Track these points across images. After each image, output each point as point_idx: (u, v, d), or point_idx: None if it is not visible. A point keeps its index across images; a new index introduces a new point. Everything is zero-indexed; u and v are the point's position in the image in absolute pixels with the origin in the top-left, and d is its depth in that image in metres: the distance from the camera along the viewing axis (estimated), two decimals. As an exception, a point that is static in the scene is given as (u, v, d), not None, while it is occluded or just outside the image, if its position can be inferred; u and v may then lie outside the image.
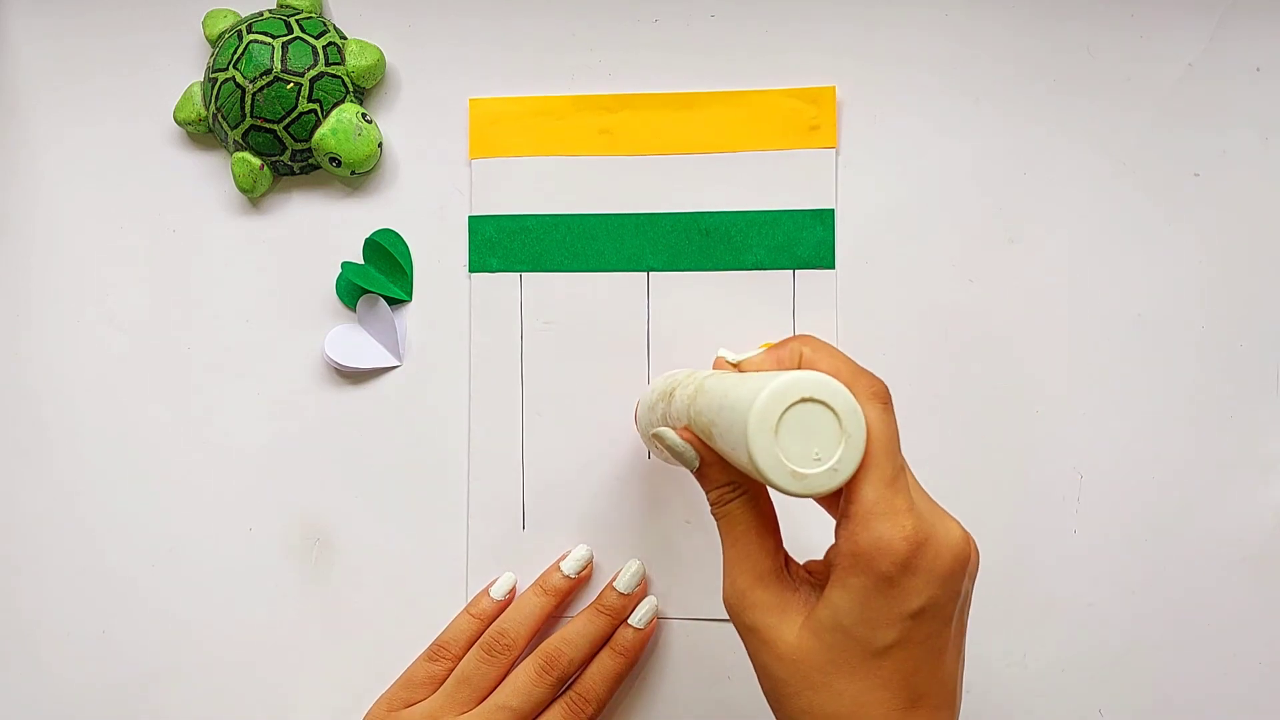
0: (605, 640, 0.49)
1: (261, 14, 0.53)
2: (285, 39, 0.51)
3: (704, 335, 0.51)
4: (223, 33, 0.53)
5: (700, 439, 0.37)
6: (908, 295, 0.51)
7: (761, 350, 0.39)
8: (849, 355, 0.37)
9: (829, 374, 0.34)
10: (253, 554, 0.53)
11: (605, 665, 0.49)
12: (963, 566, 0.35)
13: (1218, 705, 0.49)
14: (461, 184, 0.53)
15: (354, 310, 0.53)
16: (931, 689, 0.35)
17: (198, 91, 0.53)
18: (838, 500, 0.37)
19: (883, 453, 0.35)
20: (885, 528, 0.34)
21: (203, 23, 0.54)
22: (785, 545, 0.38)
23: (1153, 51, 0.51)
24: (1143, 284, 0.50)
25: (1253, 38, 0.50)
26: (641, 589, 0.50)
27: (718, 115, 0.52)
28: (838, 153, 0.51)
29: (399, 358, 0.52)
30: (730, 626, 0.50)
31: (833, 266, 0.51)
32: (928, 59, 0.51)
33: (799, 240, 0.51)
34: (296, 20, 0.52)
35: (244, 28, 0.52)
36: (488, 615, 0.50)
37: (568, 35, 0.53)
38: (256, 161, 0.52)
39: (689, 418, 0.38)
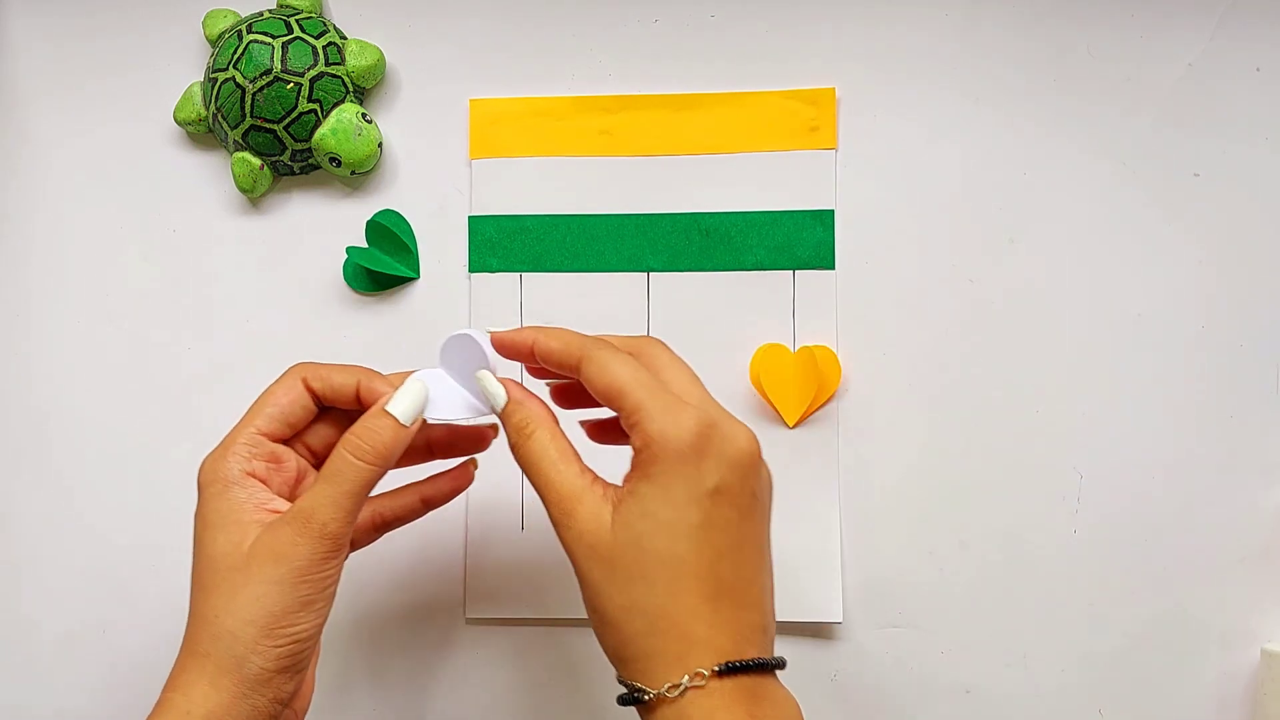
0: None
1: (261, 14, 0.53)
2: (285, 39, 0.51)
3: (704, 336, 0.51)
4: (223, 33, 0.53)
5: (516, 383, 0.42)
6: (908, 295, 0.51)
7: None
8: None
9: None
10: (253, 554, 0.53)
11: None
12: (751, 460, 0.38)
13: (1218, 706, 0.49)
14: (461, 184, 0.53)
15: (360, 293, 0.53)
16: (736, 584, 0.38)
17: (198, 91, 0.53)
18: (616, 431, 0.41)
19: (639, 372, 0.39)
20: (671, 415, 0.37)
21: (203, 23, 0.54)
22: None
23: (1153, 51, 0.51)
24: (1143, 284, 0.50)
25: (1253, 38, 0.50)
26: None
27: (718, 116, 0.52)
28: (837, 153, 0.51)
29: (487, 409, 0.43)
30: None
31: (833, 267, 0.51)
32: (928, 59, 0.51)
33: (799, 241, 0.51)
34: (296, 20, 0.52)
35: (244, 28, 0.52)
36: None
37: (568, 36, 0.53)
38: (256, 161, 0.52)
39: None
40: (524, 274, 0.52)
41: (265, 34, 0.51)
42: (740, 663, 0.37)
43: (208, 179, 0.54)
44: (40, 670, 0.53)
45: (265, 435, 0.42)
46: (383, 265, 0.52)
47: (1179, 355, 0.50)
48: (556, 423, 0.41)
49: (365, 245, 0.53)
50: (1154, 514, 0.50)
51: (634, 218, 0.52)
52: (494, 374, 0.42)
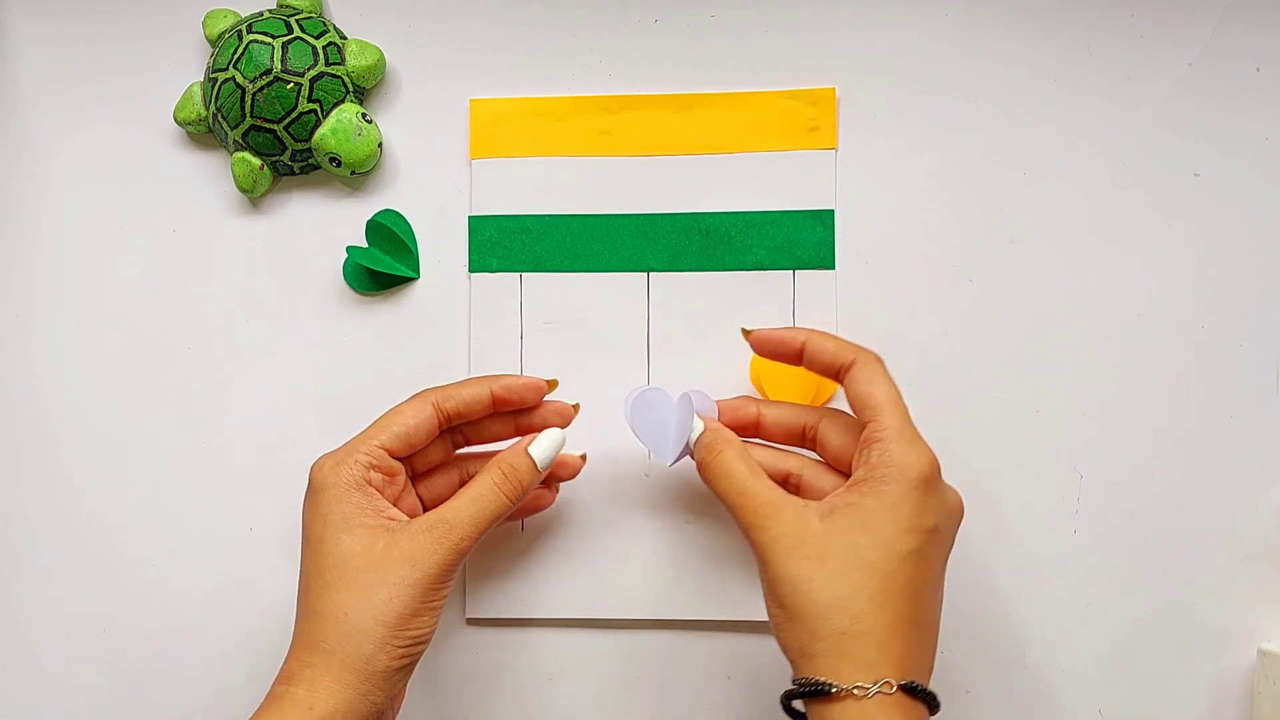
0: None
1: (261, 14, 0.53)
2: (285, 39, 0.51)
3: (704, 336, 0.51)
4: (223, 33, 0.53)
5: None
6: (908, 295, 0.51)
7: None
8: None
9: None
10: (253, 554, 0.53)
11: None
12: (961, 516, 0.42)
13: (1218, 706, 0.49)
14: (461, 184, 0.53)
15: (360, 293, 0.53)
16: (927, 619, 0.41)
17: (198, 91, 0.53)
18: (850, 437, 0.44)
19: (895, 395, 0.43)
20: (917, 448, 0.41)
21: (203, 23, 0.54)
22: None
23: (1153, 51, 0.51)
24: (1143, 284, 0.50)
25: (1253, 38, 0.50)
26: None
27: (718, 116, 0.52)
28: (837, 153, 0.51)
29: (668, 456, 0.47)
30: (729, 627, 0.50)
31: (833, 267, 0.51)
32: (928, 59, 0.51)
33: (799, 241, 0.51)
34: (296, 20, 0.52)
35: (244, 28, 0.52)
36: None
37: (568, 36, 0.53)
38: (256, 161, 0.52)
39: None
40: (524, 274, 0.52)
41: (265, 34, 0.51)
42: (922, 688, 0.40)
43: (208, 179, 0.54)
44: (40, 670, 0.53)
45: (386, 450, 0.45)
46: (383, 265, 0.52)
47: (1179, 355, 0.50)
48: (744, 446, 0.45)
49: (365, 245, 0.53)
50: (1154, 514, 0.50)
51: (634, 218, 0.52)
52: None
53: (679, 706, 0.51)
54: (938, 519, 0.41)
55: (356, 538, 0.42)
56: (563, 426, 0.47)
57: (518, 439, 0.47)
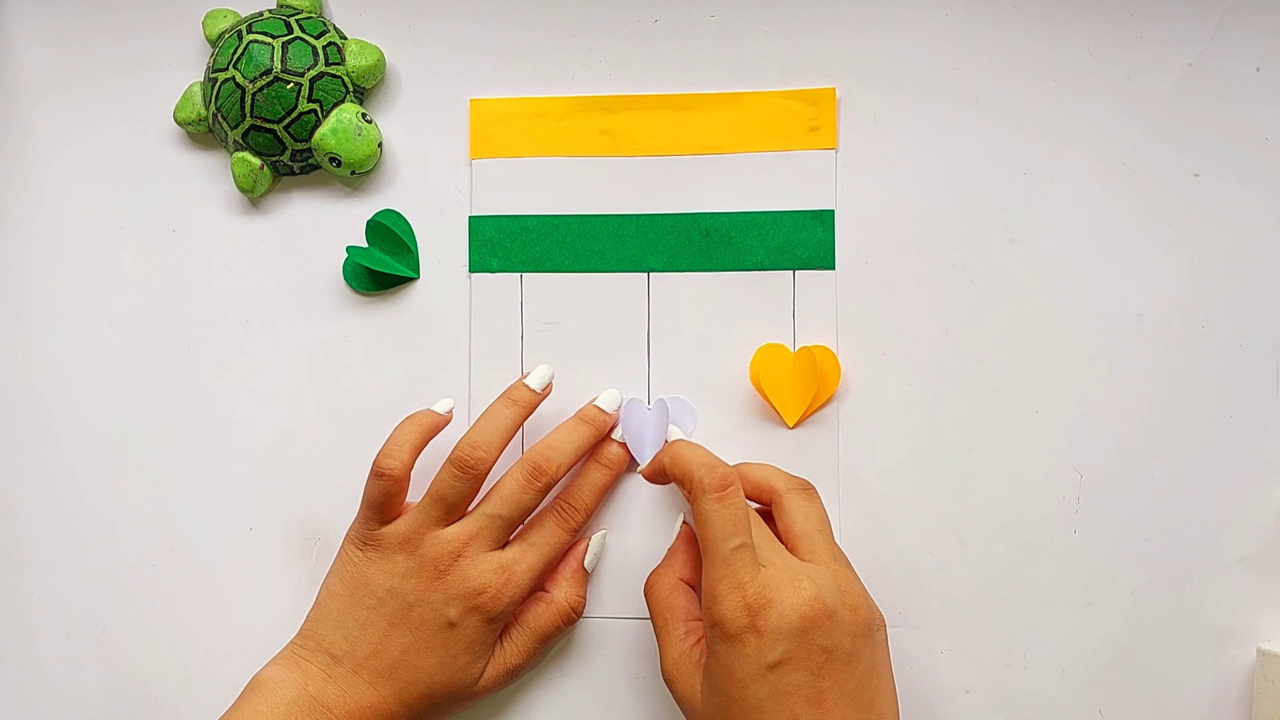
0: (587, 452, 0.50)
1: (261, 14, 0.53)
2: (285, 39, 0.51)
3: (704, 336, 0.51)
4: (223, 33, 0.53)
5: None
6: (908, 295, 0.51)
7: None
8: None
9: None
10: (253, 554, 0.53)
11: (593, 476, 0.50)
12: (815, 622, 0.41)
13: (1218, 706, 0.49)
14: (461, 184, 0.53)
15: (360, 293, 0.53)
16: None
17: (198, 91, 0.53)
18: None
19: (717, 538, 0.42)
20: (726, 601, 0.41)
21: (203, 23, 0.54)
22: None
23: (1153, 51, 0.51)
24: (1143, 284, 0.50)
25: (1253, 38, 0.50)
26: (618, 414, 0.51)
27: (718, 116, 0.52)
28: (838, 153, 0.51)
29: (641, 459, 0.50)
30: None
31: (833, 267, 0.51)
32: (928, 59, 0.51)
33: (799, 241, 0.51)
34: (296, 20, 0.52)
35: (244, 28, 0.52)
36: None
37: (568, 36, 0.53)
38: (256, 161, 0.52)
39: None
40: (524, 274, 0.52)
41: (265, 34, 0.51)
42: None
43: (208, 179, 0.54)
44: (40, 670, 0.53)
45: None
46: (383, 265, 0.52)
47: (1179, 355, 0.50)
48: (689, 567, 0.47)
49: (365, 245, 0.53)
50: (1154, 514, 0.50)
51: (634, 218, 0.52)
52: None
53: (679, 705, 0.51)
54: (780, 652, 0.41)
55: None
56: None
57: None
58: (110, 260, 0.54)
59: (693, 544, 0.48)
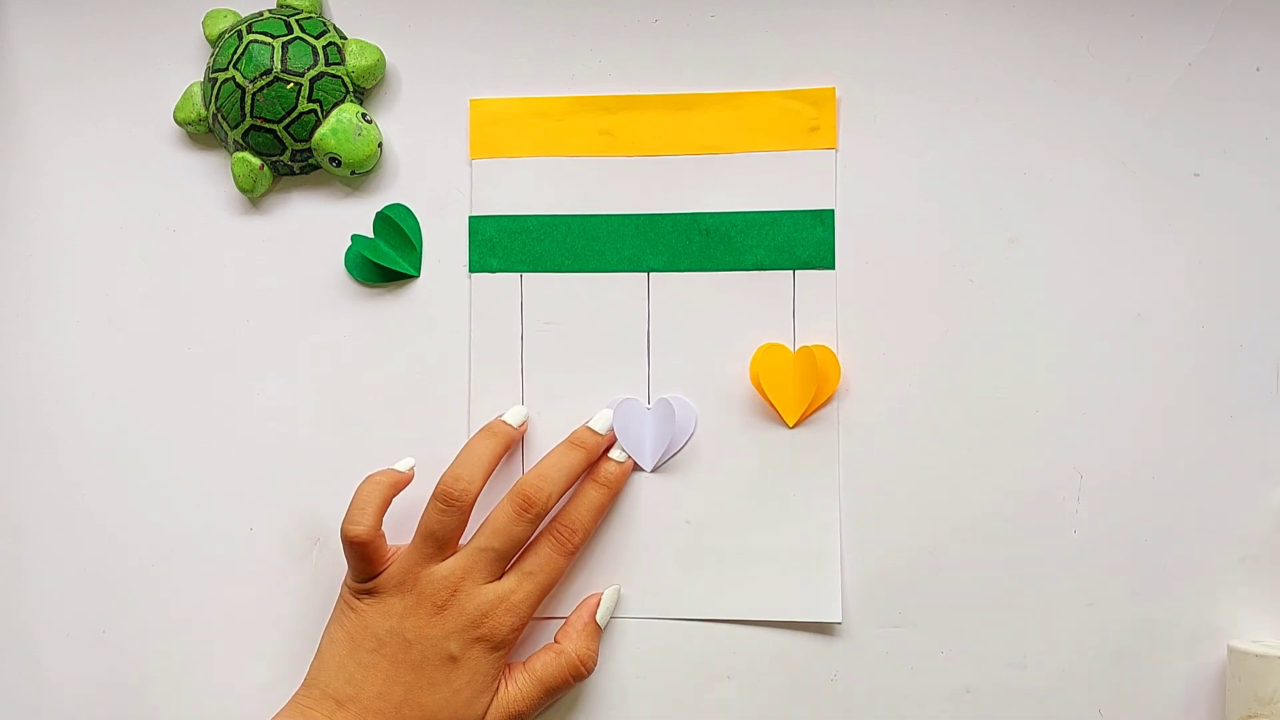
0: (579, 476, 0.50)
1: (261, 14, 0.53)
2: (285, 39, 0.51)
3: (704, 336, 0.51)
4: (223, 33, 0.53)
5: None
6: (908, 295, 0.51)
7: None
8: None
9: None
10: (253, 554, 0.53)
11: (589, 496, 0.50)
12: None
13: (1218, 705, 0.49)
14: (461, 184, 0.53)
15: (361, 283, 0.53)
16: None
17: (198, 91, 0.53)
18: None
19: None
20: None
21: (203, 23, 0.54)
22: None
23: (1153, 51, 0.51)
24: (1143, 284, 0.50)
25: (1253, 38, 0.50)
26: (613, 434, 0.51)
27: (718, 116, 0.52)
28: (838, 153, 0.51)
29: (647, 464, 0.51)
30: (726, 626, 0.50)
31: (833, 267, 0.51)
32: (928, 59, 0.51)
33: (799, 241, 0.51)
34: (296, 20, 0.52)
35: (244, 28, 0.52)
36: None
37: (568, 36, 0.53)
38: (256, 161, 0.52)
39: None
40: (524, 274, 0.52)
41: (265, 34, 0.51)
42: None
43: (208, 179, 0.54)
44: (40, 670, 0.53)
45: None
46: (384, 259, 0.52)
47: (1179, 355, 0.50)
48: None
49: (373, 228, 0.53)
50: (1154, 514, 0.50)
51: (634, 218, 0.52)
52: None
53: (679, 705, 0.51)
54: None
55: None
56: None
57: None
58: (110, 260, 0.54)
59: None
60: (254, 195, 0.53)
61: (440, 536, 0.48)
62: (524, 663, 0.49)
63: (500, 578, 0.48)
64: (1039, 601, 0.50)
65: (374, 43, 0.53)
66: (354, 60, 0.52)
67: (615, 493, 0.50)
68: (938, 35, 0.51)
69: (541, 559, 0.48)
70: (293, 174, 0.53)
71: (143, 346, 0.54)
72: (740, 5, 0.52)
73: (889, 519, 0.50)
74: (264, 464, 0.53)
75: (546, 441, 0.51)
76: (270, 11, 0.53)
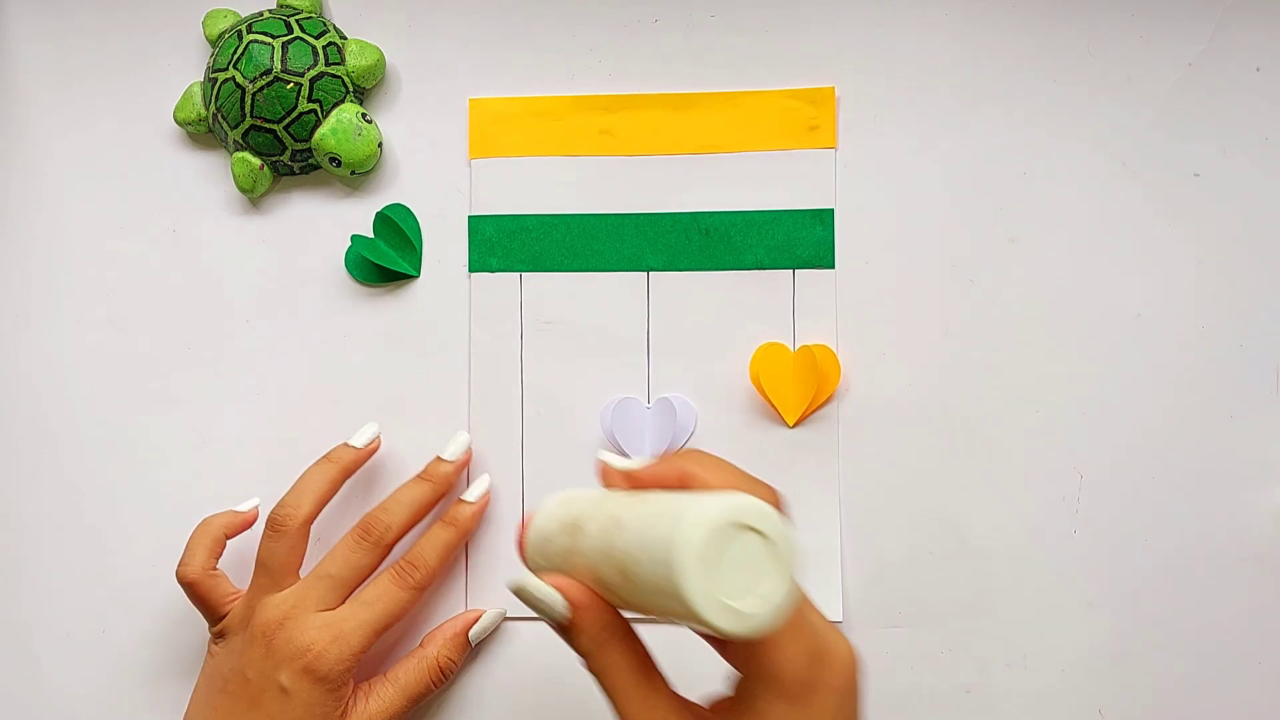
0: (427, 508, 0.49)
1: (261, 14, 0.53)
2: (285, 39, 0.51)
3: (704, 335, 0.51)
4: (223, 33, 0.53)
5: (574, 582, 0.35)
6: (908, 295, 0.51)
7: (648, 462, 0.37)
8: (738, 470, 0.35)
9: (725, 489, 0.32)
10: (253, 554, 0.52)
11: (435, 535, 0.49)
12: (857, 676, 0.35)
13: (1218, 706, 0.49)
14: (461, 184, 0.53)
15: (361, 283, 0.53)
16: None
17: (198, 91, 0.53)
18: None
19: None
20: (790, 648, 0.33)
21: (203, 23, 0.54)
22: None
23: (1153, 51, 0.51)
24: (1143, 284, 0.50)
25: (1253, 38, 0.50)
26: (467, 459, 0.51)
27: (717, 115, 0.52)
28: (837, 153, 0.51)
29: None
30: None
31: (832, 266, 0.51)
32: (928, 59, 0.51)
33: (799, 240, 0.51)
34: (296, 20, 0.52)
35: (244, 28, 0.52)
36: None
37: (567, 35, 0.53)
38: (256, 161, 0.52)
39: (607, 556, 0.34)
40: (524, 274, 0.52)
41: (265, 34, 0.51)
42: None
43: (208, 179, 0.54)
44: (40, 670, 0.53)
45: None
46: (384, 259, 0.52)
47: (1179, 355, 0.50)
48: (630, 630, 0.36)
49: (373, 228, 0.53)
50: (1154, 514, 0.50)
51: (634, 217, 0.52)
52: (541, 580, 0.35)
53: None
54: (832, 714, 0.34)
55: None
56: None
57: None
58: (110, 260, 0.54)
59: None
60: (254, 195, 0.53)
61: (271, 565, 0.48)
62: (386, 673, 0.49)
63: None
64: (1039, 601, 0.50)
65: (374, 43, 0.53)
66: (354, 60, 0.52)
67: (465, 532, 0.50)
68: (938, 35, 0.51)
69: (380, 589, 0.47)
70: (293, 174, 0.53)
71: (143, 346, 0.54)
72: (740, 5, 0.52)
73: (889, 519, 0.50)
74: (263, 464, 0.53)
75: (547, 442, 0.51)
76: (270, 11, 0.53)
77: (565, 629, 0.35)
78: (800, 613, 0.34)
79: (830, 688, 0.34)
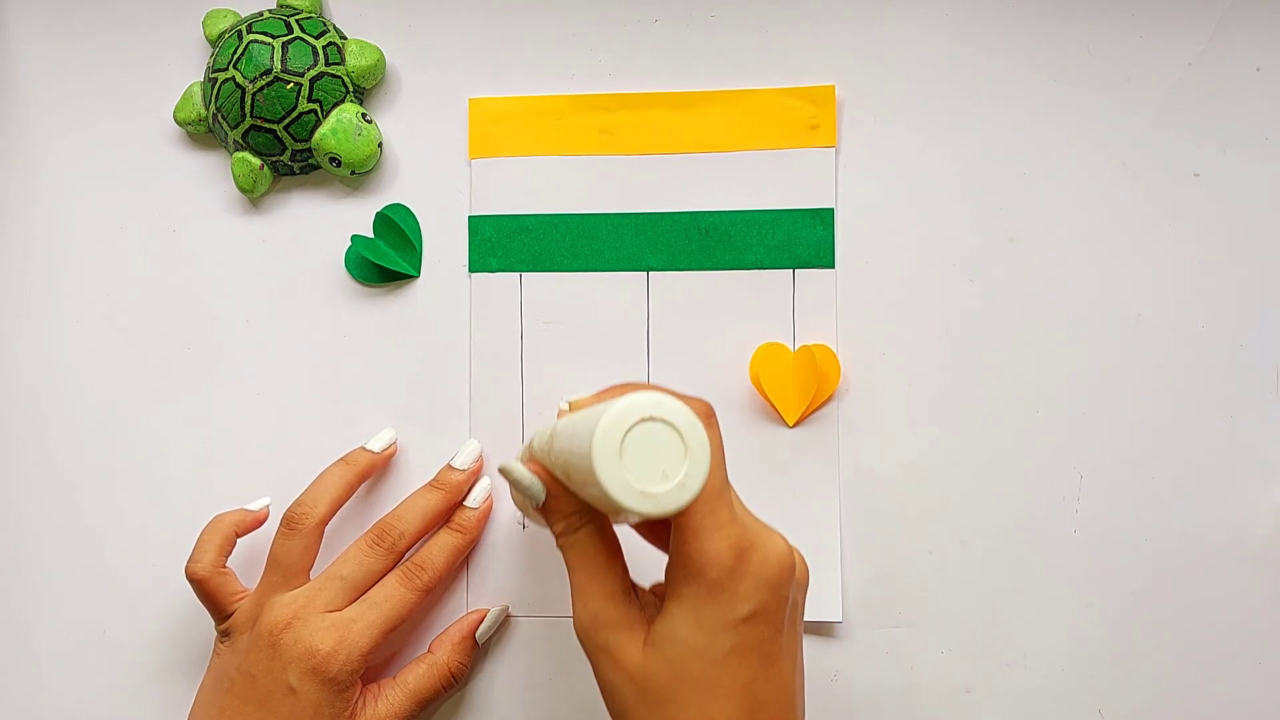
0: (439, 516, 0.50)
1: (261, 14, 0.53)
2: (285, 39, 0.51)
3: (704, 335, 0.51)
4: (223, 33, 0.53)
5: (550, 474, 0.39)
6: (908, 295, 0.51)
7: (593, 395, 0.41)
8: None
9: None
10: (253, 554, 0.52)
11: (443, 539, 0.49)
12: (789, 574, 0.37)
13: (1217, 706, 0.49)
14: (461, 184, 0.53)
15: (360, 283, 0.53)
16: (771, 697, 0.37)
17: (198, 91, 0.53)
18: (662, 529, 0.40)
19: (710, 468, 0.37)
20: (712, 538, 0.36)
21: (203, 23, 0.54)
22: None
23: (1153, 51, 0.51)
24: (1143, 284, 0.50)
25: (1253, 38, 0.50)
26: (478, 467, 0.51)
27: (717, 114, 0.52)
28: (837, 152, 0.51)
29: None
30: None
31: (832, 266, 0.51)
32: (928, 59, 0.51)
33: (799, 240, 0.51)
34: (296, 20, 0.52)
35: (244, 28, 0.52)
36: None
37: (567, 35, 0.53)
38: (256, 161, 0.52)
39: (551, 463, 0.39)
40: (524, 274, 0.52)
41: (265, 34, 0.51)
42: None
43: (208, 179, 0.54)
44: (40, 670, 0.53)
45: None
46: (384, 259, 0.52)
47: (1179, 355, 0.50)
48: (601, 521, 0.39)
49: (373, 228, 0.53)
50: (1154, 514, 0.50)
51: (634, 217, 0.52)
52: (521, 464, 0.40)
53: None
54: (755, 603, 0.36)
55: None
56: None
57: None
58: (110, 260, 0.54)
59: None
60: (254, 195, 0.53)
61: (284, 563, 0.48)
62: (394, 676, 0.49)
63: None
64: (1039, 601, 0.50)
65: (374, 43, 0.53)
66: (354, 60, 0.52)
67: (472, 538, 0.50)
68: (938, 34, 0.51)
69: (387, 590, 0.47)
70: (293, 174, 0.53)
71: (143, 346, 0.54)
72: (740, 4, 0.52)
73: (889, 519, 0.50)
74: (263, 463, 0.53)
75: (546, 441, 0.51)
76: (270, 11, 0.53)
77: (544, 512, 0.39)
78: (729, 509, 0.37)
79: (755, 576, 0.36)
